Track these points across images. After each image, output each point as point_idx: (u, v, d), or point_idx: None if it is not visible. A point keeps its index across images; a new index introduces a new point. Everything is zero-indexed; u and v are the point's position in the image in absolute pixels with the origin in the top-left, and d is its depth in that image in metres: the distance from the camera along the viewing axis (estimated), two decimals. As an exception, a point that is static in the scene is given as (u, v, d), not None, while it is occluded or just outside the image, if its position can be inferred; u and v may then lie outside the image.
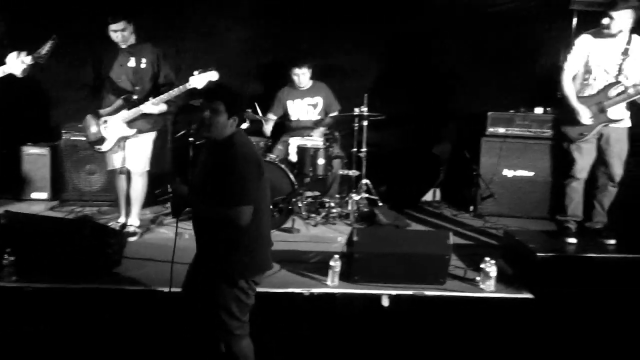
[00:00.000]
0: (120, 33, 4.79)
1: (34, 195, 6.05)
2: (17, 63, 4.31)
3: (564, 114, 4.57)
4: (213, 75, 4.79)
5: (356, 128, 5.81)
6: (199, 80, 4.76)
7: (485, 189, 6.14)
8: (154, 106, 4.82)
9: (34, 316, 3.65)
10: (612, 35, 4.38)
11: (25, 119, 6.33)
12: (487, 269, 4.04)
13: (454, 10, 6.46)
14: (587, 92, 4.51)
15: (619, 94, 4.41)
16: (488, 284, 4.04)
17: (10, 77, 4.36)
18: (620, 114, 4.45)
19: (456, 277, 4.25)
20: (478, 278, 4.12)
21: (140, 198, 5.07)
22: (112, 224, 5.03)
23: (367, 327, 3.77)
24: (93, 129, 4.91)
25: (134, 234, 4.95)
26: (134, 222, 5.06)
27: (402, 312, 3.86)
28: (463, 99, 6.69)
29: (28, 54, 4.33)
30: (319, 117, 6.04)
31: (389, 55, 6.63)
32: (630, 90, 4.39)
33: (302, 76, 5.92)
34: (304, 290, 3.95)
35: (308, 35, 6.34)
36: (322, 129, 5.91)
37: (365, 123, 5.80)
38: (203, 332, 3.03)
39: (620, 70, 4.41)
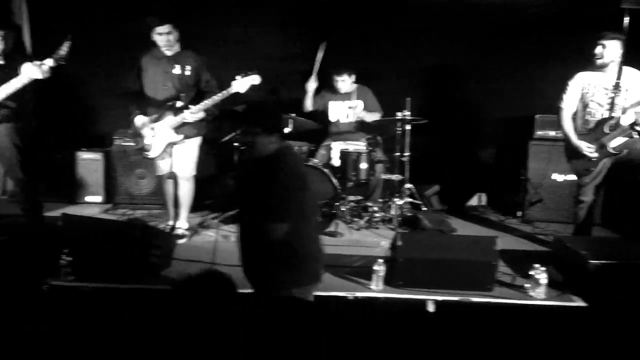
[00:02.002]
0: (166, 36, 4.86)
1: (88, 198, 6.26)
2: (35, 69, 4.44)
3: (570, 150, 4.82)
4: (255, 79, 4.84)
5: (399, 132, 5.80)
6: (242, 84, 4.82)
7: (534, 194, 6.05)
8: (192, 115, 4.90)
9: (90, 315, 3.78)
10: (604, 70, 4.60)
11: (80, 125, 6.56)
12: (537, 276, 3.98)
13: (498, 12, 6.41)
14: (588, 127, 4.72)
15: (613, 129, 4.59)
16: (538, 291, 3.98)
17: (37, 82, 4.52)
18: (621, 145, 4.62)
19: (504, 283, 4.19)
20: (527, 285, 4.06)
21: (188, 202, 5.18)
22: (161, 227, 5.16)
23: (411, 333, 3.75)
24: (141, 135, 5.03)
25: (182, 236, 5.06)
26: (182, 225, 5.18)
27: (448, 318, 3.84)
28: (508, 102, 6.63)
29: (48, 57, 4.46)
30: (358, 119, 6.05)
31: (432, 58, 6.61)
32: (624, 124, 4.54)
33: (342, 83, 5.95)
34: (348, 294, 3.96)
35: (346, 39, 6.38)
36: (364, 134, 5.92)
37: (408, 127, 5.79)
38: None
39: (612, 105, 4.59)
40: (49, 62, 4.44)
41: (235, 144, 5.97)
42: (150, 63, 5.00)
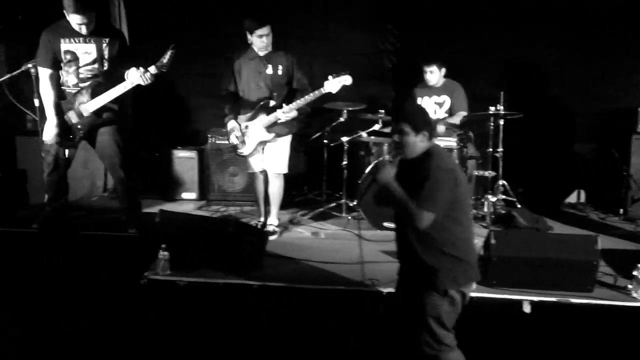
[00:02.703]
0: (266, 38, 4.98)
1: (184, 195, 6.46)
2: (138, 76, 4.60)
3: None
4: (347, 80, 4.90)
5: (492, 127, 5.64)
6: (334, 84, 4.88)
7: (637, 190, 5.73)
8: (285, 114, 4.99)
9: (185, 308, 3.93)
10: None
11: (175, 124, 6.83)
12: (641, 277, 3.76)
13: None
14: None
15: None
16: (642, 292, 3.77)
17: (138, 87, 4.69)
18: None
19: (605, 284, 3.99)
20: (630, 286, 3.85)
21: (278, 199, 5.26)
22: (253, 223, 5.28)
23: (506, 334, 3.65)
24: (236, 134, 5.16)
25: (273, 232, 5.14)
26: (273, 221, 5.26)
27: (545, 319, 3.70)
28: (609, 94, 6.35)
29: (152, 65, 4.61)
30: (445, 116, 5.96)
31: (527, 50, 6.40)
32: None
33: (431, 74, 5.87)
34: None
35: (433, 35, 6.27)
36: (455, 130, 5.81)
37: (501, 122, 5.62)
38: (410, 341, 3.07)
39: None
40: (152, 70, 4.61)
41: (326, 141, 6.03)
42: (243, 64, 5.14)
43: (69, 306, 3.91)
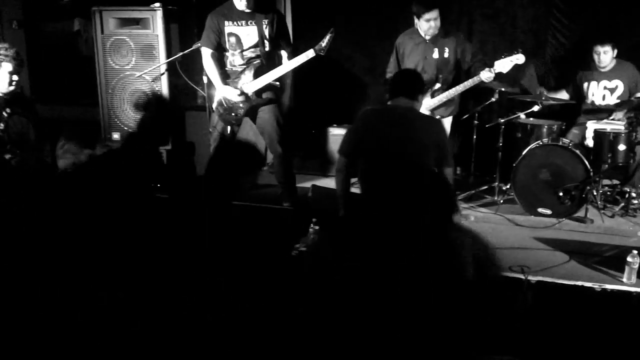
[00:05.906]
0: (433, 21, 4.98)
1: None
2: (296, 57, 4.83)
3: None
4: (519, 59, 4.81)
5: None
6: (505, 64, 4.81)
7: None
8: (447, 97, 5.08)
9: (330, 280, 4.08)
10: None
11: (332, 103, 7.01)
12: None
13: None
14: None
15: None
16: None
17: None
18: None
19: None
20: None
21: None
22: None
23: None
24: None
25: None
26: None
27: None
28: None
29: (311, 48, 4.74)
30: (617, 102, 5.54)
31: None
32: None
33: (603, 55, 5.44)
34: (596, 285, 3.71)
35: (609, 10, 5.79)
36: (623, 112, 5.39)
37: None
38: None
39: None
40: (310, 53, 4.76)
41: (476, 122, 5.88)
42: (408, 48, 5.20)
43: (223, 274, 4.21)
